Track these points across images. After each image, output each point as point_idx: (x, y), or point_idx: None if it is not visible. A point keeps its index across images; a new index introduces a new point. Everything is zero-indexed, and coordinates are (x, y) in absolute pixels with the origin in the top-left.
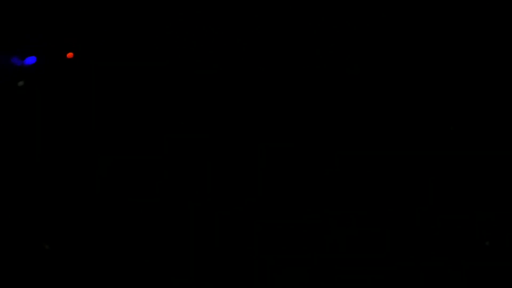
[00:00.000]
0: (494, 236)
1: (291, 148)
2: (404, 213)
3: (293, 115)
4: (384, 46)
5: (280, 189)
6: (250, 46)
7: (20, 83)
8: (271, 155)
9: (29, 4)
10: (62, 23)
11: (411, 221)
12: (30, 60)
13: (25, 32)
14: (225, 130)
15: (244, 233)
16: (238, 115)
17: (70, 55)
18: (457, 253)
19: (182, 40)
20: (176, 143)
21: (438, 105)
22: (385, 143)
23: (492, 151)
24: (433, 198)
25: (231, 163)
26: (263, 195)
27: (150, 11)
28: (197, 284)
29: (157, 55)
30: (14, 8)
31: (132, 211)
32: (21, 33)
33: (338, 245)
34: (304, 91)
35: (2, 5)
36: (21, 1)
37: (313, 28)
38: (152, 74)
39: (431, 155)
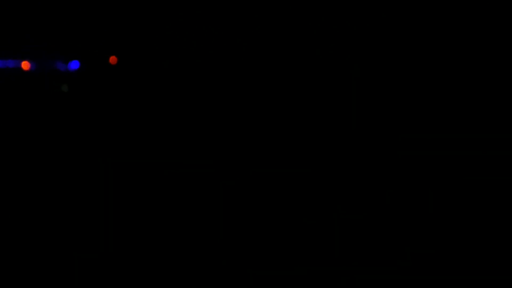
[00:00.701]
0: (494, 236)
1: (291, 148)
2: (404, 213)
3: (293, 114)
4: (384, 46)
5: (280, 188)
6: (250, 46)
7: (64, 88)
8: (271, 155)
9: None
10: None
11: (411, 221)
12: (74, 65)
13: (67, 37)
14: (225, 129)
15: (244, 233)
16: (238, 114)
17: (113, 59)
18: (457, 252)
19: (182, 40)
20: (176, 144)
21: (438, 105)
22: (385, 143)
23: (492, 151)
24: (433, 198)
25: (231, 163)
26: (263, 195)
27: (150, 11)
28: (197, 284)
29: (157, 55)
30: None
31: (131, 212)
32: (62, 38)
33: (339, 245)
34: (304, 91)
35: (43, 11)
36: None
37: (313, 28)
38: (152, 74)
39: (431, 155)
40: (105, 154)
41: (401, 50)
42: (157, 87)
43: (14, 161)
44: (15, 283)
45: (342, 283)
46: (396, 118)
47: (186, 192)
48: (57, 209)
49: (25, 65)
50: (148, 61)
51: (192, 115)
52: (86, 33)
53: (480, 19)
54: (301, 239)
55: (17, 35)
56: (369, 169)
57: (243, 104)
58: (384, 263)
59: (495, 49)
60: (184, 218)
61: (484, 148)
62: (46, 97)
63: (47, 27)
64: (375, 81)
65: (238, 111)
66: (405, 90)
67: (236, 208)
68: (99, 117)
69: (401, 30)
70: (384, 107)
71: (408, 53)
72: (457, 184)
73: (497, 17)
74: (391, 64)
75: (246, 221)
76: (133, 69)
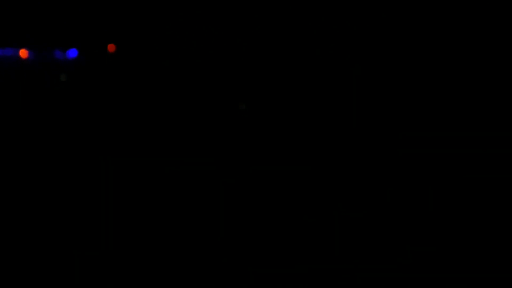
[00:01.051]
0: (495, 234)
1: (291, 146)
2: (405, 211)
3: (293, 113)
4: (384, 45)
5: (280, 186)
6: (250, 46)
7: (63, 77)
8: (272, 153)
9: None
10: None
11: (411, 218)
12: (72, 53)
13: (66, 27)
14: (226, 127)
15: (245, 231)
16: (239, 112)
17: (111, 47)
18: (458, 250)
19: (182, 40)
20: (177, 141)
21: (438, 103)
22: (385, 141)
23: (492, 149)
24: (433, 196)
25: (232, 160)
26: (264, 193)
27: (150, 11)
28: (198, 282)
29: (157, 44)
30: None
31: (132, 209)
32: (61, 27)
33: (339, 243)
34: (305, 90)
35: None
36: None
37: (313, 28)
38: (151, 63)
39: (431, 153)
40: (104, 146)
41: (402, 48)
42: (157, 76)
43: (12, 153)
44: (15, 282)
45: (342, 281)
46: (396, 116)
47: (187, 189)
48: (57, 204)
49: (23, 53)
50: (147, 49)
51: (192, 111)
52: (84, 21)
53: (479, 18)
54: (302, 237)
55: (15, 23)
56: (369, 167)
57: (243, 102)
58: (384, 261)
59: (495, 47)
60: (185, 216)
61: (485, 146)
62: (44, 86)
63: (45, 15)
64: (376, 79)
65: (239, 109)
66: (405, 88)
67: (237, 206)
68: (98, 106)
69: (401, 29)
70: (385, 105)
71: (409, 52)
72: (458, 182)
73: (496, 16)
74: (391, 62)
75: (247, 219)
76: (131, 58)
